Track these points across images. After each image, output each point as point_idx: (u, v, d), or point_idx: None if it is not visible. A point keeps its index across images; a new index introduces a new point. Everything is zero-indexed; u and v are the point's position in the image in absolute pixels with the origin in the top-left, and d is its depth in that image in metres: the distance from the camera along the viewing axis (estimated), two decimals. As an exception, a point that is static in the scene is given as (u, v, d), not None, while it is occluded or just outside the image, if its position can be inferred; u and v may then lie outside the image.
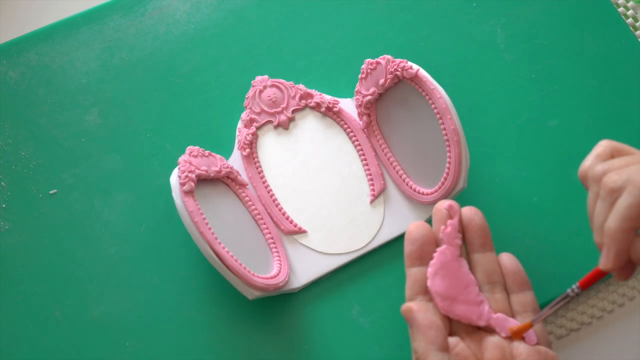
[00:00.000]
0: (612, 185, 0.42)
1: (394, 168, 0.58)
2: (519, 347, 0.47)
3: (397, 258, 0.56)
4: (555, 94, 0.62)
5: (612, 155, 0.45)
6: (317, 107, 0.61)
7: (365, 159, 0.59)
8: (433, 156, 0.56)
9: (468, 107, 0.61)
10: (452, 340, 0.46)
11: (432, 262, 0.48)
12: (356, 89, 0.59)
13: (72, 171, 0.60)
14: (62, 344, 0.55)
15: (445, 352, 0.45)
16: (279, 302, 0.56)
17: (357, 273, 0.57)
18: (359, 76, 0.58)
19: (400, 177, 0.58)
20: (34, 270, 0.57)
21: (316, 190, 0.59)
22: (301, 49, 0.64)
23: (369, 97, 0.58)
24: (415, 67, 0.55)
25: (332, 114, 0.60)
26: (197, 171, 0.53)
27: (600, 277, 0.44)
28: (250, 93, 0.61)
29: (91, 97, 0.62)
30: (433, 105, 0.55)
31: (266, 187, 0.58)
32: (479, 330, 0.48)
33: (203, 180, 0.55)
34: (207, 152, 0.56)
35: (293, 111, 0.61)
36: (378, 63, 0.57)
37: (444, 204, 0.50)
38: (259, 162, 0.59)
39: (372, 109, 0.59)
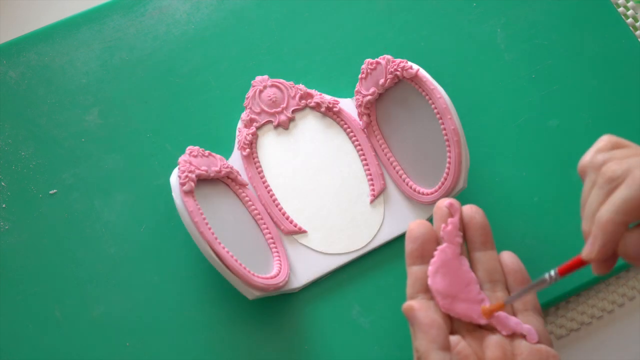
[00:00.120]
0: (611, 174, 0.41)
1: (394, 168, 0.58)
2: (520, 345, 0.47)
3: (397, 258, 0.56)
4: (555, 94, 0.62)
5: (613, 150, 0.44)
6: (317, 107, 0.61)
7: (365, 159, 0.59)
8: (433, 156, 0.56)
9: (468, 107, 0.61)
10: (454, 338, 0.46)
11: (432, 260, 0.48)
12: (356, 89, 0.59)
13: (72, 171, 0.60)
14: (62, 344, 0.55)
15: (446, 350, 0.45)
16: (279, 302, 0.56)
17: (357, 273, 0.57)
18: (359, 76, 0.58)
19: (400, 177, 0.58)
20: (34, 270, 0.57)
21: (316, 190, 0.59)
22: (301, 49, 0.64)
23: (369, 97, 0.58)
24: (415, 67, 0.55)
25: (332, 114, 0.60)
26: (197, 171, 0.53)
27: (580, 266, 0.44)
28: (250, 93, 0.61)
29: (91, 97, 0.62)
30: (433, 105, 0.55)
31: (266, 187, 0.58)
32: (479, 329, 0.48)
33: (203, 180, 0.55)
34: (207, 152, 0.56)
35: (293, 111, 0.61)
36: (378, 63, 0.57)
37: (444, 202, 0.50)
38: (259, 162, 0.59)
39: (372, 109, 0.59)
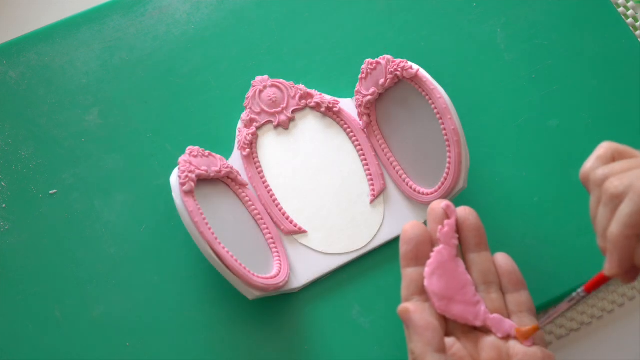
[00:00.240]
0: (614, 191, 0.42)
1: (394, 168, 0.58)
2: (516, 347, 0.47)
3: (397, 258, 0.56)
4: (555, 94, 0.62)
5: (613, 157, 0.44)
6: (317, 107, 0.61)
7: (365, 159, 0.59)
8: (433, 156, 0.56)
9: (468, 107, 0.61)
10: (449, 340, 0.46)
11: (429, 261, 0.48)
12: (356, 89, 0.59)
13: (72, 171, 0.60)
14: (62, 344, 0.55)
15: (442, 353, 0.45)
16: (279, 302, 0.56)
17: (357, 273, 0.57)
18: (359, 76, 0.58)
19: (400, 177, 0.58)
20: (34, 270, 0.57)
21: (316, 190, 0.59)
22: (301, 49, 0.64)
23: (369, 97, 0.58)
24: (415, 67, 0.55)
25: (332, 114, 0.60)
26: (197, 171, 0.53)
27: (605, 282, 0.44)
28: (250, 93, 0.61)
29: (91, 97, 0.62)
30: (433, 105, 0.55)
31: (266, 187, 0.58)
32: (475, 331, 0.48)
33: (203, 180, 0.55)
34: (207, 152, 0.56)
35: (293, 111, 0.61)
36: (378, 63, 0.57)
37: (440, 203, 0.50)
38: (259, 162, 0.59)
39: (372, 109, 0.59)
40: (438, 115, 0.55)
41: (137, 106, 0.62)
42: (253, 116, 0.60)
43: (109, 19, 0.65)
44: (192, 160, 0.54)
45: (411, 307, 0.46)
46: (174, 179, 0.53)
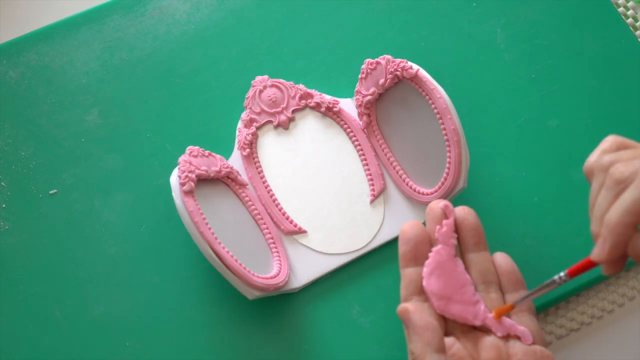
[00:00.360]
0: (619, 176, 0.41)
1: (394, 168, 0.58)
2: (515, 346, 0.47)
3: (397, 258, 0.56)
4: (555, 94, 0.62)
5: (619, 150, 0.44)
6: (317, 107, 0.61)
7: (365, 159, 0.59)
8: (433, 156, 0.56)
9: (468, 107, 0.61)
10: (448, 340, 0.46)
11: (427, 261, 0.48)
12: (356, 89, 0.59)
13: (72, 171, 0.60)
14: (62, 344, 0.55)
15: (441, 353, 0.45)
16: (279, 302, 0.56)
17: (357, 273, 0.57)
18: (359, 76, 0.58)
19: (400, 177, 0.58)
20: (34, 270, 0.57)
21: (316, 190, 0.59)
22: (301, 49, 0.64)
23: (369, 97, 0.58)
24: (415, 67, 0.55)
25: (332, 114, 0.60)
26: (197, 171, 0.53)
27: (590, 268, 0.44)
28: (250, 93, 0.61)
29: (91, 97, 0.62)
30: (433, 105, 0.55)
31: (266, 187, 0.58)
32: (474, 330, 0.48)
33: (203, 180, 0.55)
34: (207, 152, 0.56)
35: (293, 111, 0.61)
36: (378, 63, 0.57)
37: (439, 203, 0.50)
38: (259, 162, 0.59)
39: (372, 109, 0.59)
40: (438, 115, 0.55)
41: (137, 106, 0.62)
42: (253, 116, 0.60)
43: (109, 19, 0.65)
44: (192, 160, 0.54)
45: (410, 307, 0.46)
46: (174, 179, 0.53)
